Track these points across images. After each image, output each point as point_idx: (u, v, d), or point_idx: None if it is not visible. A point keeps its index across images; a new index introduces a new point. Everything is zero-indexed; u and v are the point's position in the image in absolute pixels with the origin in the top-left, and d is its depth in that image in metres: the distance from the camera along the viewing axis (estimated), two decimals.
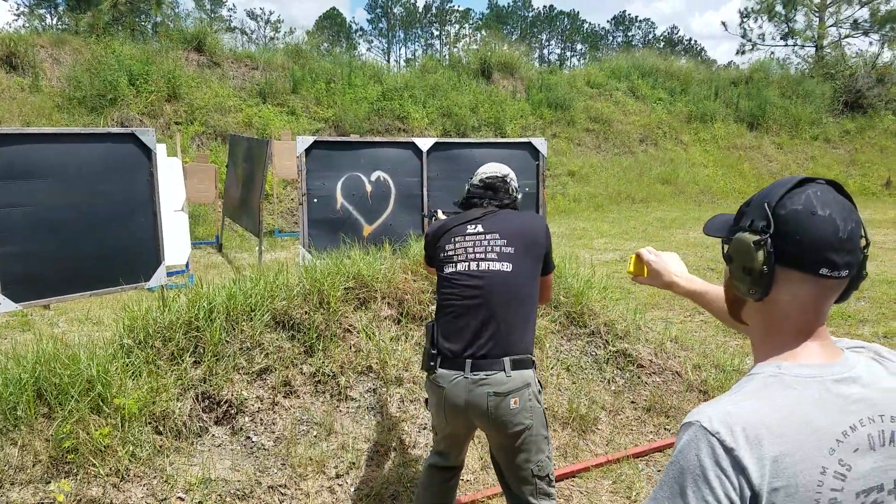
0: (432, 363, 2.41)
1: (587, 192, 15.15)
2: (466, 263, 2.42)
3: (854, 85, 22.83)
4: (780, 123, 20.63)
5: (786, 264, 1.01)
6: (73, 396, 2.87)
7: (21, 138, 4.14)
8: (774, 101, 21.04)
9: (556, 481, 2.90)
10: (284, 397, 3.44)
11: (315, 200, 5.71)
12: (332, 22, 66.46)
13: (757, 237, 1.02)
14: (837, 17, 29.80)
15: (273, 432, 3.28)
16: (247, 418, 3.30)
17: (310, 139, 5.54)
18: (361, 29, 73.54)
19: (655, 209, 14.49)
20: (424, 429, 3.50)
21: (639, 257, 1.76)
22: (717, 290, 1.59)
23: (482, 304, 2.37)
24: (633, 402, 4.11)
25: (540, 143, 5.94)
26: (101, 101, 11.63)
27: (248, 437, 3.23)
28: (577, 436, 3.71)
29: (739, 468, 0.91)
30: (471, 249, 2.44)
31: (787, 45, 30.86)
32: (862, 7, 29.03)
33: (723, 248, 1.14)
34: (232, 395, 3.29)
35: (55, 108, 11.41)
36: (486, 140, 6.47)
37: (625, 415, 4.00)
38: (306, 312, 3.73)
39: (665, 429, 3.98)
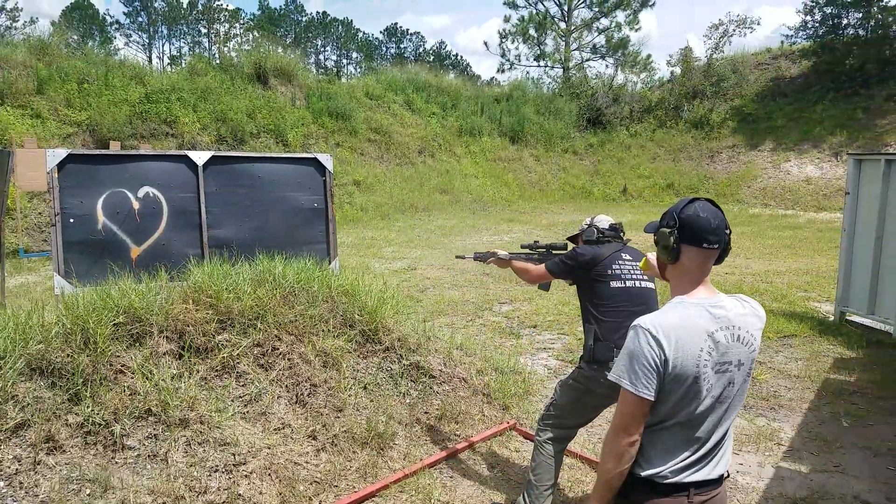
0: (611, 354, 3.03)
1: (373, 202, 15.41)
2: (634, 281, 3.18)
3: (595, 103, 26.25)
4: (536, 137, 22.94)
5: (685, 242, 1.85)
6: None
7: None
8: (531, 117, 23.33)
9: None
10: (48, 454, 2.99)
11: (71, 220, 5.05)
12: (82, 14, 59.17)
13: (670, 229, 1.87)
14: (580, 42, 34.01)
15: (37, 496, 2.84)
16: (2, 483, 2.81)
17: (63, 152, 4.90)
18: (118, 22, 66.51)
19: (436, 217, 15.23)
20: (216, 471, 3.29)
21: (646, 260, 2.73)
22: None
23: (645, 311, 2.87)
24: (426, 412, 4.27)
25: (325, 158, 5.92)
26: None
27: None
28: (376, 454, 3.77)
29: (659, 345, 1.77)
30: (630, 271, 3.20)
31: (539, 65, 34.45)
32: (599, 34, 33.51)
33: (655, 239, 1.95)
34: None
35: None
36: (269, 154, 6.26)
37: (419, 426, 4.15)
38: (69, 355, 3.28)
39: (455, 435, 4.20)
